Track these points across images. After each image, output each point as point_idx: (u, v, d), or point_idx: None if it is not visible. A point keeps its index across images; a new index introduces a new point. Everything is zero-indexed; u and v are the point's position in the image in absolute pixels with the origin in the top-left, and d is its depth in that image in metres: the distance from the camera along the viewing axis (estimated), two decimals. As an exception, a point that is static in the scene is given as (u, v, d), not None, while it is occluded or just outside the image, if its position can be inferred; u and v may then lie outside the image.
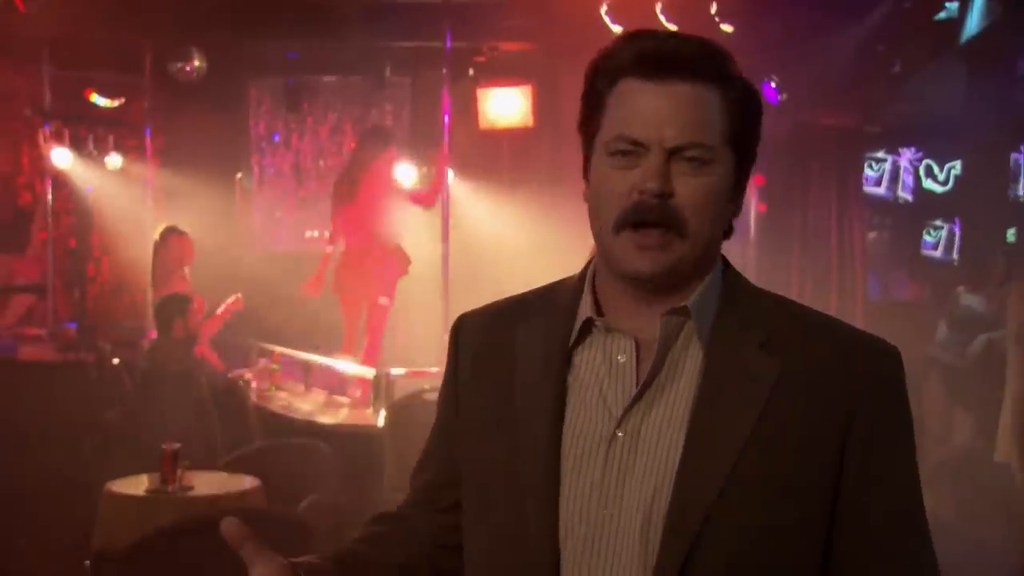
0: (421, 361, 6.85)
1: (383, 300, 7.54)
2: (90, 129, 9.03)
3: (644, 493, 1.30)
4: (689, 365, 1.34)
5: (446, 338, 1.54)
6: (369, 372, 6.91)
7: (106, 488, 4.53)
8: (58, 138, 8.81)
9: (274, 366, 7.58)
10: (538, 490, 1.34)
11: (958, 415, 6.55)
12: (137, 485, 4.53)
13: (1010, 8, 6.40)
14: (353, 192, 7.49)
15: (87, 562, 4.28)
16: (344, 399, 7.18)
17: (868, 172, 9.94)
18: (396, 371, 6.74)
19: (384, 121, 9.23)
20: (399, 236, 7.62)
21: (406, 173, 7.88)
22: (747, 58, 1.38)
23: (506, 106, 8.26)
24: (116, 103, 8.92)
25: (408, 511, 1.52)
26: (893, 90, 7.49)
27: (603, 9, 6.74)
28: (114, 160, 9.00)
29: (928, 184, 10.08)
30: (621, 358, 1.35)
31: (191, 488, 4.51)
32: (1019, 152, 8.68)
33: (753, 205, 8.25)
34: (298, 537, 3.68)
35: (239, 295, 7.39)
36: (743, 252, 7.98)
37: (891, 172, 10.17)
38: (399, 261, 7.54)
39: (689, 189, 1.31)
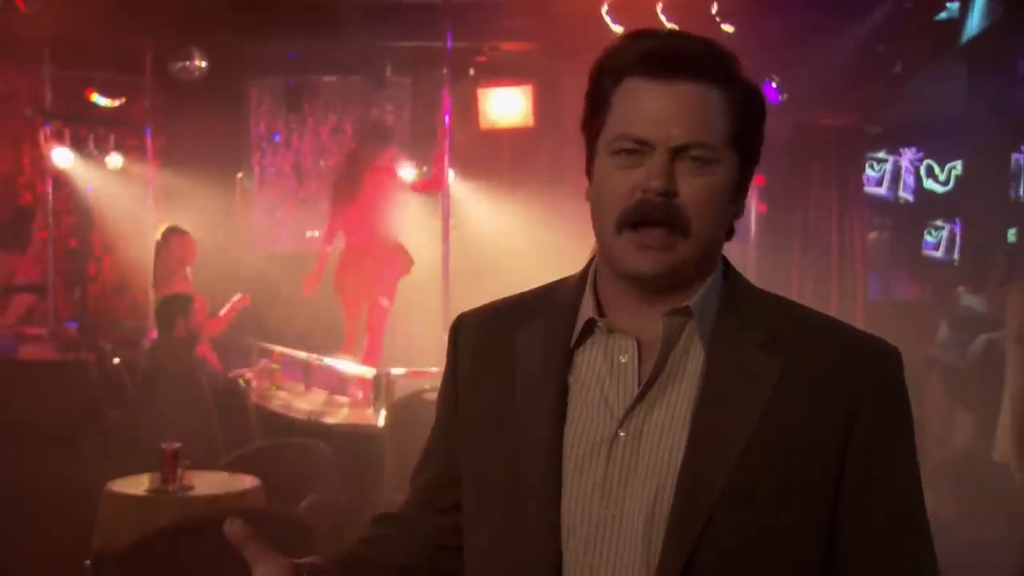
0: (421, 361, 6.84)
1: (384, 302, 7.54)
2: (91, 129, 9.03)
3: (646, 494, 1.30)
4: (691, 365, 1.34)
5: (446, 338, 1.54)
6: (369, 372, 6.91)
7: (106, 488, 4.53)
8: (59, 138, 8.81)
9: (274, 366, 7.59)
10: (540, 490, 1.33)
11: (959, 415, 6.54)
12: (137, 485, 4.53)
13: (1011, 8, 6.40)
14: (354, 191, 7.49)
15: (87, 562, 4.29)
16: (344, 399, 7.18)
17: (869, 172, 9.94)
18: (396, 371, 6.74)
19: (384, 121, 9.23)
20: (399, 235, 7.62)
21: (407, 173, 7.89)
22: (748, 58, 1.38)
23: (507, 106, 8.26)
24: (117, 103, 8.92)
25: (408, 512, 1.51)
26: (894, 90, 7.49)
27: (604, 9, 6.73)
28: (115, 160, 9.00)
29: (929, 184, 10.08)
30: (623, 358, 1.35)
31: (191, 488, 4.51)
32: (1020, 152, 8.68)
33: (754, 205, 8.25)
34: (298, 537, 3.68)
35: (246, 294, 7.39)
36: (744, 252, 7.98)
37: (892, 172, 10.17)
38: (401, 261, 7.54)
39: (693, 189, 1.31)
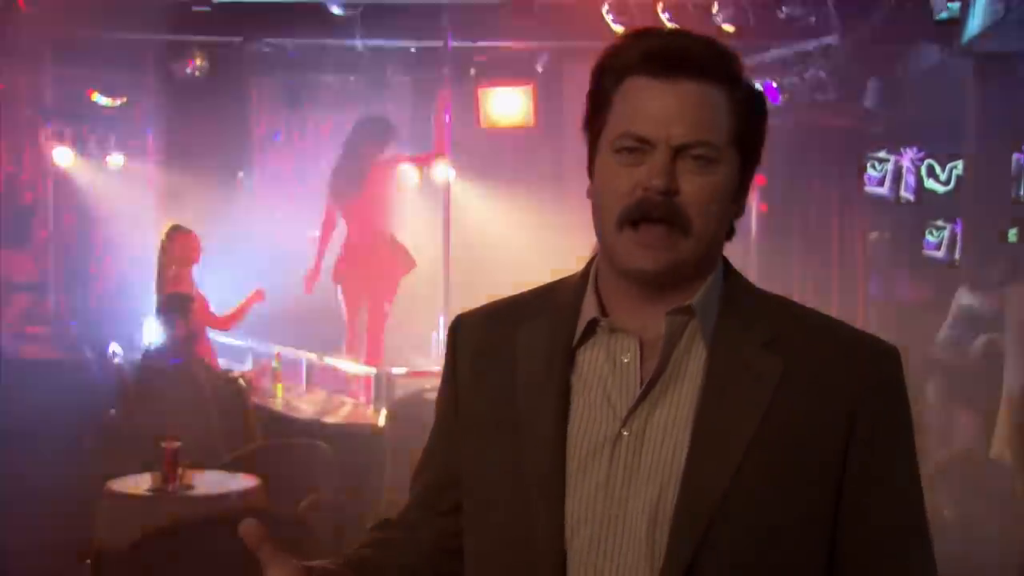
0: (422, 360, 6.85)
1: (385, 306, 7.55)
2: (92, 128, 9.05)
3: (650, 493, 1.30)
4: (692, 365, 1.34)
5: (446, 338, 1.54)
6: (370, 371, 6.91)
7: (107, 487, 4.53)
8: (60, 137, 8.82)
9: (275, 365, 7.58)
10: (543, 490, 1.33)
11: (960, 415, 6.54)
12: (138, 484, 4.53)
13: (1012, 8, 6.39)
14: (359, 185, 7.46)
15: (87, 561, 4.28)
16: (345, 399, 7.18)
17: (871, 172, 9.92)
18: (397, 370, 6.74)
19: (385, 115, 9.20)
20: (400, 233, 7.62)
21: (407, 173, 7.89)
22: (748, 58, 1.38)
23: (507, 106, 8.26)
24: (118, 103, 8.93)
25: (409, 516, 1.51)
26: (895, 90, 7.48)
27: (604, 8, 6.73)
28: (116, 159, 9.02)
29: (930, 184, 10.06)
30: (625, 358, 1.35)
31: (191, 487, 4.51)
32: (1021, 152, 8.66)
33: (755, 205, 8.25)
34: (298, 537, 3.67)
35: (261, 288, 7.40)
36: (744, 252, 7.98)
37: (893, 172, 10.16)
38: (402, 261, 7.53)
39: (694, 187, 1.31)
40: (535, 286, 1.49)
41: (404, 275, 7.59)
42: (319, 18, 7.59)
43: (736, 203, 1.37)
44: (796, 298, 1.45)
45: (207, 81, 8.19)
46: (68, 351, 8.13)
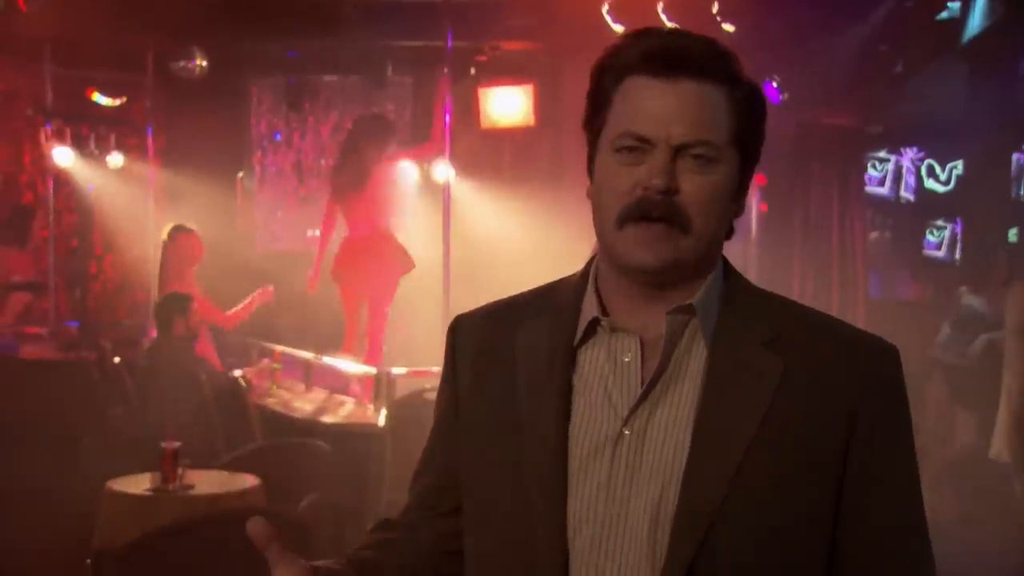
0: (422, 360, 6.84)
1: (385, 306, 7.55)
2: (92, 128, 9.04)
3: (651, 493, 1.30)
4: (693, 364, 1.34)
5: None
6: (370, 371, 6.91)
7: (107, 487, 4.53)
8: (60, 137, 8.82)
9: (275, 365, 7.59)
10: (546, 490, 1.33)
11: (960, 415, 6.55)
12: (138, 484, 4.53)
13: (1011, 8, 6.39)
14: (361, 184, 7.46)
15: (88, 561, 4.29)
16: (345, 398, 7.17)
17: (872, 172, 9.94)
18: (397, 370, 6.74)
19: (386, 114, 9.20)
20: (400, 233, 7.62)
21: (408, 171, 7.89)
22: (749, 58, 1.38)
23: (508, 105, 8.26)
24: (118, 102, 8.93)
25: (409, 517, 1.51)
26: (895, 90, 7.48)
27: (604, 8, 6.73)
28: (116, 159, 9.01)
29: (930, 184, 10.07)
30: (626, 357, 1.35)
31: (192, 487, 4.51)
32: (1021, 152, 8.67)
33: (755, 205, 8.25)
34: (298, 536, 3.67)
35: (269, 287, 7.42)
36: (745, 251, 7.98)
37: (894, 172, 10.16)
38: (401, 261, 7.53)
39: (694, 187, 1.31)
40: (535, 286, 1.49)
41: (402, 275, 7.59)
42: (319, 18, 7.59)
43: (736, 203, 1.37)
44: (796, 298, 1.46)
45: (207, 80, 8.18)
46: (68, 351, 8.13)
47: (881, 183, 10.15)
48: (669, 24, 6.37)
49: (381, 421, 6.19)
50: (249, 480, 4.63)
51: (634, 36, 1.37)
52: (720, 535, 1.27)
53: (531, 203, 8.06)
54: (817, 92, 7.43)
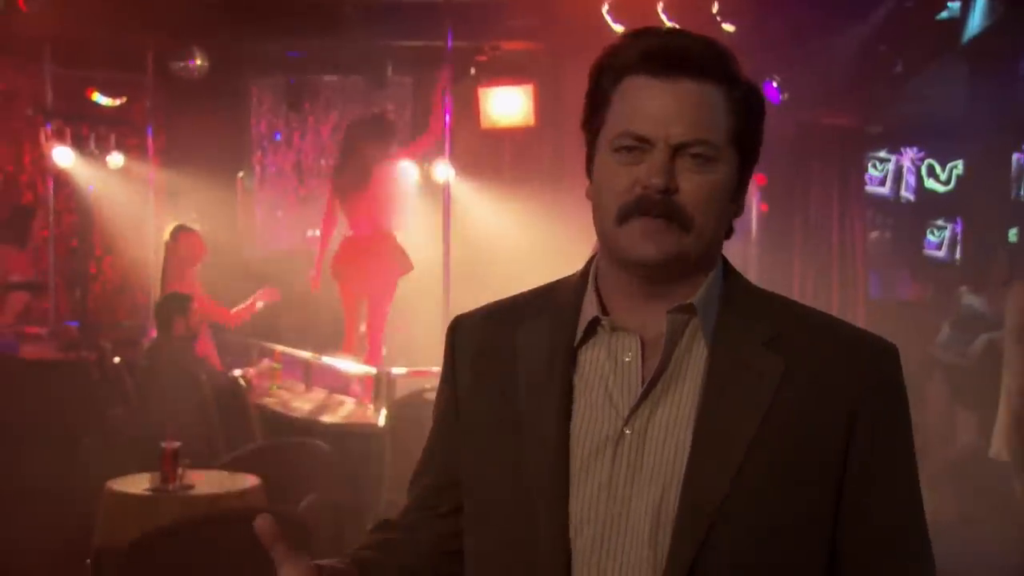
0: (422, 360, 6.84)
1: (385, 306, 7.56)
2: (92, 128, 9.04)
3: (652, 493, 1.30)
4: (694, 363, 1.34)
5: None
6: (370, 371, 6.91)
7: (107, 487, 4.53)
8: (60, 137, 8.82)
9: (275, 365, 7.59)
10: (547, 491, 1.33)
11: (961, 415, 6.55)
12: (138, 484, 4.53)
13: (1011, 8, 6.39)
14: (363, 183, 7.46)
15: (88, 560, 4.29)
16: (345, 398, 7.17)
17: (872, 172, 9.94)
18: (397, 370, 6.74)
19: (386, 114, 9.20)
20: (400, 233, 7.62)
21: (408, 171, 7.89)
22: (749, 58, 1.38)
23: (508, 105, 8.26)
24: (118, 102, 8.93)
25: (409, 518, 1.51)
26: (895, 90, 7.48)
27: (605, 8, 6.73)
28: (116, 159, 9.01)
29: (930, 184, 10.07)
30: (627, 357, 1.35)
31: (191, 487, 4.51)
32: (1021, 152, 8.67)
33: (755, 205, 8.25)
34: (298, 536, 3.68)
35: (274, 287, 7.44)
36: (745, 251, 7.98)
37: (894, 172, 10.16)
38: (400, 263, 7.53)
39: (693, 186, 1.31)
40: (535, 286, 1.49)
41: (400, 277, 7.59)
42: (319, 18, 7.59)
43: (735, 202, 1.38)
44: (796, 298, 1.45)
45: (207, 80, 8.18)
46: (68, 351, 8.13)
47: (881, 183, 10.15)
48: (669, 24, 6.37)
49: (381, 421, 6.19)
50: (249, 480, 4.63)
51: (633, 36, 1.37)
52: (721, 535, 1.27)
53: (531, 203, 8.06)
54: (817, 92, 7.42)
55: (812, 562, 1.32)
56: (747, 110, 1.35)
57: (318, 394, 7.33)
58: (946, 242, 9.91)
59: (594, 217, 1.37)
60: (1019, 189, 8.79)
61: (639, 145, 1.31)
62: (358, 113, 9.14)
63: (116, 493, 4.48)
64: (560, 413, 1.35)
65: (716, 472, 1.28)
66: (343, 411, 6.84)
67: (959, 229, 9.55)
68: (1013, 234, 8.30)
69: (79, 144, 8.88)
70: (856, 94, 7.74)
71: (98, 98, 8.82)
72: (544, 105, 8.14)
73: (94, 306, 9.46)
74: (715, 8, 6.62)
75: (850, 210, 8.37)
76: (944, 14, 6.77)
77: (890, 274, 9.99)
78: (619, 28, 6.55)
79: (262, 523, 1.29)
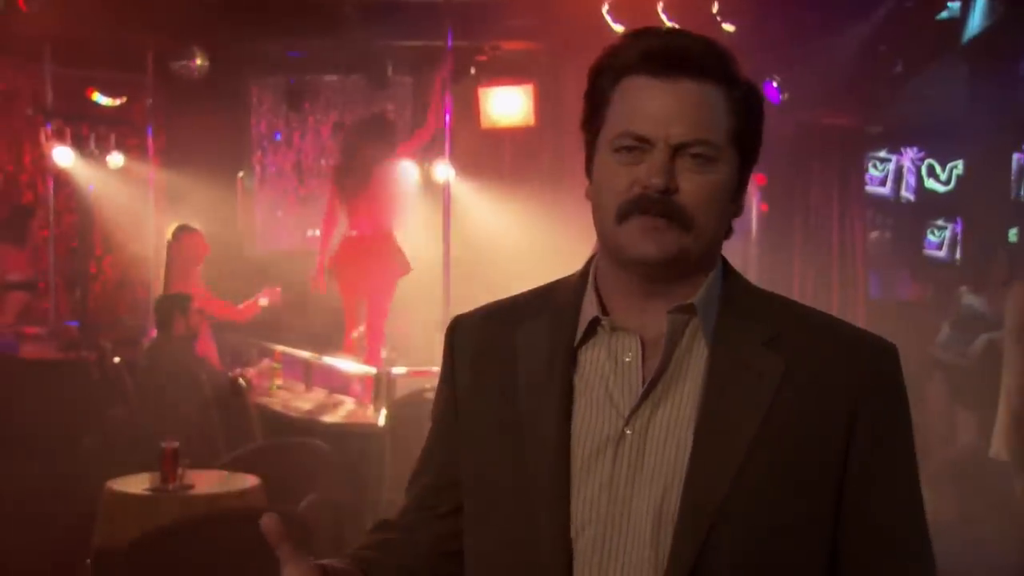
0: (422, 360, 6.84)
1: (384, 305, 7.56)
2: (92, 128, 9.03)
3: (654, 493, 1.30)
4: (694, 363, 1.34)
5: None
6: (370, 371, 6.91)
7: (107, 486, 4.53)
8: (60, 137, 8.81)
9: (275, 365, 7.59)
10: (548, 491, 1.33)
11: (961, 415, 6.54)
12: (138, 483, 4.53)
13: (1011, 8, 6.39)
14: (364, 184, 7.46)
15: (88, 560, 4.29)
16: (345, 398, 7.18)
17: (873, 172, 9.93)
18: (397, 370, 6.74)
19: (386, 115, 9.20)
20: (400, 233, 7.63)
21: (408, 170, 7.89)
22: (749, 58, 1.38)
23: (508, 105, 8.26)
24: (118, 102, 8.93)
25: (408, 518, 1.50)
26: (895, 90, 7.48)
27: (605, 8, 6.73)
28: (116, 159, 9.00)
29: (930, 184, 10.07)
30: (627, 357, 1.35)
31: (191, 487, 4.51)
32: (1021, 152, 8.66)
33: (755, 205, 8.24)
34: (298, 536, 3.67)
35: (276, 288, 7.45)
36: (745, 251, 7.98)
37: (894, 172, 10.16)
38: (399, 264, 7.53)
39: (693, 186, 1.31)
40: (535, 286, 1.49)
41: (399, 278, 7.59)
42: (319, 18, 7.59)
43: (735, 202, 1.38)
44: (796, 298, 1.45)
45: (207, 80, 8.18)
46: (68, 351, 8.13)
47: (881, 183, 10.14)
48: (669, 24, 6.37)
49: (381, 421, 6.19)
50: (249, 480, 4.63)
51: (632, 36, 1.37)
52: (722, 535, 1.27)
53: (531, 203, 8.06)
54: (817, 92, 7.42)
55: (813, 562, 1.32)
56: (747, 110, 1.35)
57: (318, 394, 7.33)
58: (946, 242, 9.90)
59: (594, 217, 1.37)
60: (1019, 189, 8.79)
61: (639, 145, 1.31)
62: (358, 113, 9.14)
63: (116, 493, 4.48)
64: (560, 413, 1.35)
65: (717, 472, 1.28)
66: (343, 411, 6.84)
67: (959, 229, 9.54)
68: (1013, 234, 8.30)
69: (79, 144, 8.88)
70: (856, 94, 7.74)
71: (98, 98, 8.82)
72: (544, 105, 8.14)
73: (94, 306, 9.46)
74: (715, 8, 6.62)
75: (850, 210, 8.36)
76: (944, 14, 6.77)
77: (890, 274, 9.98)
78: (619, 28, 6.55)
79: (268, 522, 1.29)
